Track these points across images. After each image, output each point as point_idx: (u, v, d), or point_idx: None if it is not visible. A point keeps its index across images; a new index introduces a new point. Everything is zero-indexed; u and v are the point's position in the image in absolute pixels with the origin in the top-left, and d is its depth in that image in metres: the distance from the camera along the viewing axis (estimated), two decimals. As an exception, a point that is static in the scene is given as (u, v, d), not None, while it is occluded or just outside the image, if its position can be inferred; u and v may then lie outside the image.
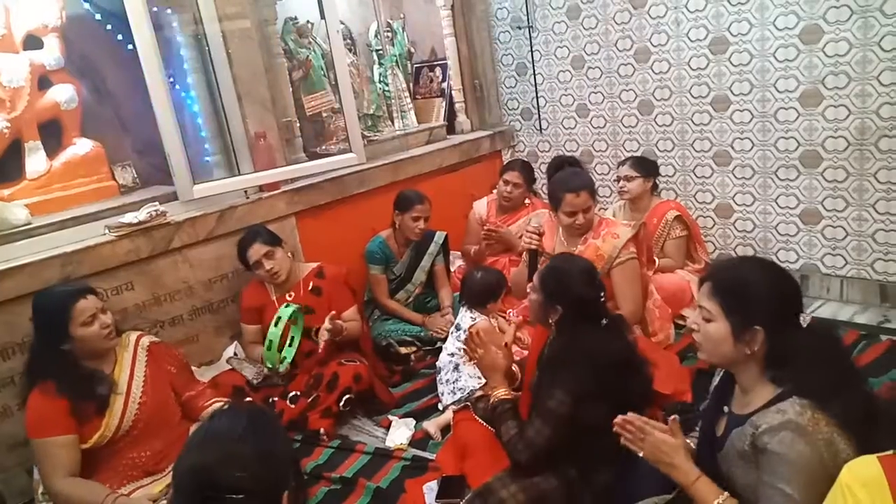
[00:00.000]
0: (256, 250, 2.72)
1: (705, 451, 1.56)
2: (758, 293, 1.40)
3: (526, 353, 2.52)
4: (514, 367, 2.25)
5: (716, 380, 1.63)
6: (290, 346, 2.69)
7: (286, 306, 2.62)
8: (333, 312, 2.66)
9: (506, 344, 2.14)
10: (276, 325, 2.55)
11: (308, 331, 2.73)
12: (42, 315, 2.09)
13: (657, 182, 3.39)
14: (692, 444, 1.66)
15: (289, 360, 2.66)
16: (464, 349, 2.29)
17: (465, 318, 2.68)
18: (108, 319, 2.10)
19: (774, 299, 1.40)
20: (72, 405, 2.02)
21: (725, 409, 1.53)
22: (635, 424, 1.48)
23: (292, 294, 2.81)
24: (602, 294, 1.94)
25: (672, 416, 1.51)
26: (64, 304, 2.03)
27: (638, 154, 3.65)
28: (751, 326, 1.39)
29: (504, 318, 2.88)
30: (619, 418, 1.51)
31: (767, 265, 1.49)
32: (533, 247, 2.60)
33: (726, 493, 1.41)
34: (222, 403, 2.33)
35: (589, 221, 2.62)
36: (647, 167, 3.31)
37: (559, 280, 1.92)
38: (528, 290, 2.02)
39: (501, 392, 2.02)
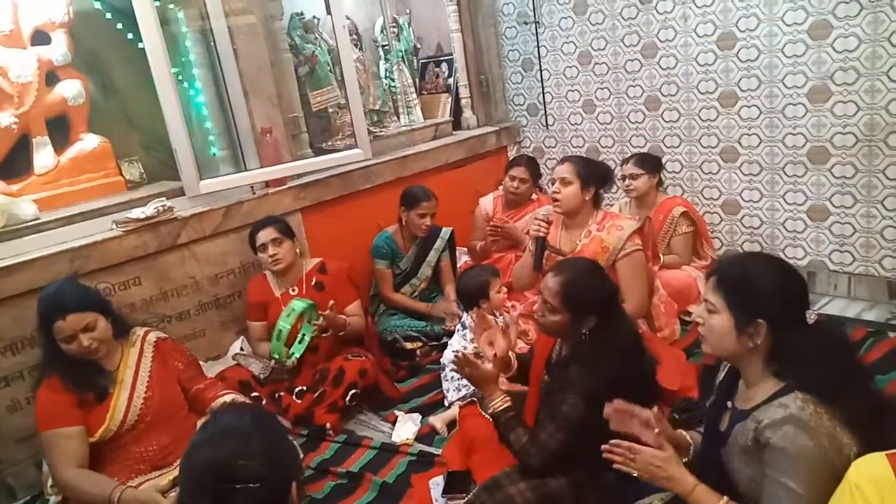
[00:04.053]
0: (267, 233, 2.75)
1: (709, 446, 1.56)
2: (761, 287, 1.41)
3: (528, 347, 2.51)
4: (511, 354, 2.19)
5: (721, 375, 1.63)
6: (299, 343, 2.69)
7: (300, 300, 2.62)
8: (332, 302, 2.66)
9: (495, 355, 2.05)
10: (287, 315, 2.56)
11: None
12: (37, 318, 2.08)
13: (662, 178, 3.38)
14: (695, 436, 1.66)
15: (297, 356, 2.67)
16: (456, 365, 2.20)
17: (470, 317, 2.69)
18: (86, 341, 2.00)
19: (778, 293, 1.40)
20: (79, 398, 2.03)
21: (729, 404, 1.53)
22: (622, 446, 1.50)
23: (295, 289, 2.81)
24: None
25: (656, 431, 1.49)
26: (46, 319, 2.01)
27: (644, 150, 3.64)
28: (754, 319, 1.39)
29: (509, 313, 2.87)
30: (604, 447, 1.52)
31: (774, 261, 1.49)
32: (541, 234, 2.57)
33: (726, 498, 1.41)
34: (232, 395, 2.34)
35: (566, 196, 2.59)
36: (651, 163, 3.30)
37: (581, 290, 1.85)
38: (541, 313, 1.92)
39: (499, 401, 1.92)
